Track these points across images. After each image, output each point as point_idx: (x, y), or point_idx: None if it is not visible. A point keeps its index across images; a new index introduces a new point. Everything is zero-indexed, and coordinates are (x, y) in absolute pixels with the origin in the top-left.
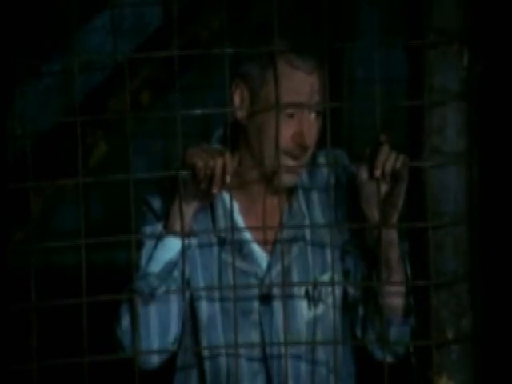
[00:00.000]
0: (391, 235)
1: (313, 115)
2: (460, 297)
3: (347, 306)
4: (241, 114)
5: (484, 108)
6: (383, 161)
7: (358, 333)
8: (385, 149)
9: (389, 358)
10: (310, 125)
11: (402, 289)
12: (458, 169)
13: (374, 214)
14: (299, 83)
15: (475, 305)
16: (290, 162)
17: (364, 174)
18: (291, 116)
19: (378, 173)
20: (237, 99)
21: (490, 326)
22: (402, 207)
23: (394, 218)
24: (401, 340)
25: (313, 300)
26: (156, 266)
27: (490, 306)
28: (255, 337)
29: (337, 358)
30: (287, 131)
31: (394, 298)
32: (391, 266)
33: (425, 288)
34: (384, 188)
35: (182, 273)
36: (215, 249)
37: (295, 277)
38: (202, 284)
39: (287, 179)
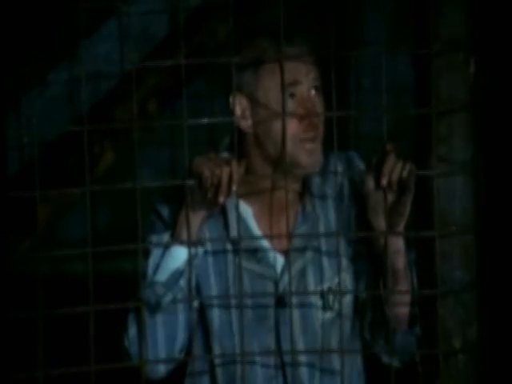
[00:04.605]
0: (398, 244)
1: (313, 92)
2: (467, 306)
3: (357, 309)
4: (245, 124)
5: (491, 116)
6: (390, 169)
7: (367, 336)
8: (391, 157)
9: (395, 365)
10: (312, 102)
11: (408, 297)
12: (464, 177)
13: (380, 222)
14: (292, 62)
15: (482, 314)
16: (307, 146)
17: (371, 182)
18: (292, 98)
19: (384, 181)
20: (238, 110)
21: (496, 335)
22: (408, 216)
23: (401, 227)
24: (406, 348)
25: (327, 303)
26: (162, 275)
27: (496, 315)
28: (271, 341)
29: (345, 364)
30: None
31: (400, 306)
32: (397, 275)
33: (431, 297)
34: (391, 197)
35: (189, 282)
36: (229, 254)
37: (310, 279)
38: (214, 290)
39: (309, 164)
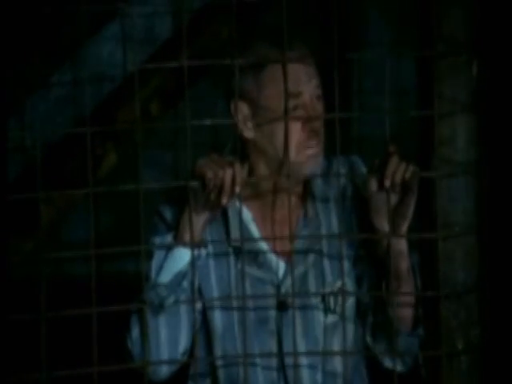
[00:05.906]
0: (401, 246)
1: (314, 100)
2: (469, 307)
3: (359, 313)
4: (246, 130)
5: (493, 118)
6: (393, 171)
7: (369, 340)
8: (394, 159)
9: (398, 368)
10: (314, 110)
11: (411, 299)
12: (467, 179)
13: (383, 224)
14: (294, 72)
15: (485, 315)
16: (309, 151)
17: (373, 184)
18: (295, 109)
19: (387, 183)
20: (239, 117)
21: (499, 336)
22: (411, 218)
23: (404, 229)
24: (409, 350)
25: (329, 307)
26: (165, 277)
27: (499, 316)
28: (273, 346)
29: (348, 367)
30: (296, 125)
31: (403, 308)
32: (401, 277)
33: (434, 298)
34: (394, 199)
35: (192, 284)
36: (230, 258)
37: (312, 283)
38: (216, 294)
39: (310, 168)
